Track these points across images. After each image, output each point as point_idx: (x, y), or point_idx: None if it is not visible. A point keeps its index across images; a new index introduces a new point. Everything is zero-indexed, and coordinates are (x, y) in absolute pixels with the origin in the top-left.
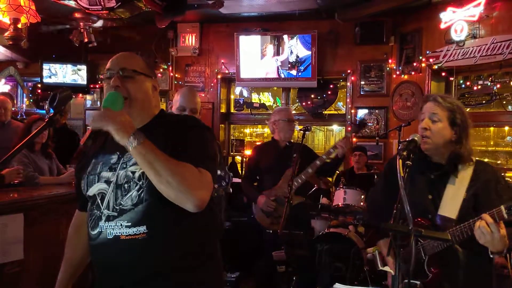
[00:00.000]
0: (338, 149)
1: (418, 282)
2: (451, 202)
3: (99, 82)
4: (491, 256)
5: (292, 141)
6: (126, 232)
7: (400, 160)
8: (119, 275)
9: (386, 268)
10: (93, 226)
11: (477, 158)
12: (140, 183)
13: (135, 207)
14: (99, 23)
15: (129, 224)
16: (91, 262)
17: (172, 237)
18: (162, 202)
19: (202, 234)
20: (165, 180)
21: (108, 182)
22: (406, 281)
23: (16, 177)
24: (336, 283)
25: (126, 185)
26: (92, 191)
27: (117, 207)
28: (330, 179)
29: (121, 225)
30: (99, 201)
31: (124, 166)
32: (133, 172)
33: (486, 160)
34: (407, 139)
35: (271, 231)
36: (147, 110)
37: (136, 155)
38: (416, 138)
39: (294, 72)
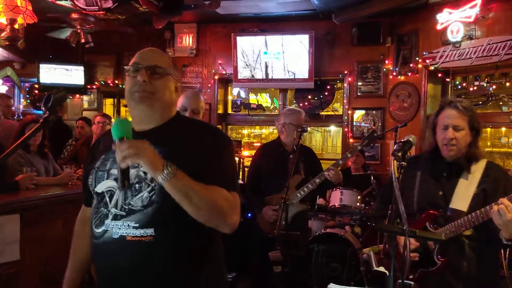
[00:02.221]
0: (332, 177)
1: (412, 283)
2: (463, 196)
3: (96, 83)
4: (504, 242)
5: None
6: (133, 233)
7: (395, 161)
8: (121, 276)
9: (381, 269)
10: (98, 224)
11: (487, 160)
12: (153, 185)
13: (145, 209)
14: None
15: (137, 225)
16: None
17: (179, 242)
18: (173, 206)
19: (208, 239)
20: (203, 212)
21: (117, 180)
22: (399, 281)
23: (30, 183)
24: (331, 283)
25: (137, 185)
26: (100, 188)
27: (126, 207)
28: None
29: (128, 225)
30: (107, 199)
31: (136, 165)
32: (146, 173)
33: None
34: (402, 140)
35: (271, 236)
36: (168, 110)
37: (170, 189)
38: (411, 139)
39: (291, 73)
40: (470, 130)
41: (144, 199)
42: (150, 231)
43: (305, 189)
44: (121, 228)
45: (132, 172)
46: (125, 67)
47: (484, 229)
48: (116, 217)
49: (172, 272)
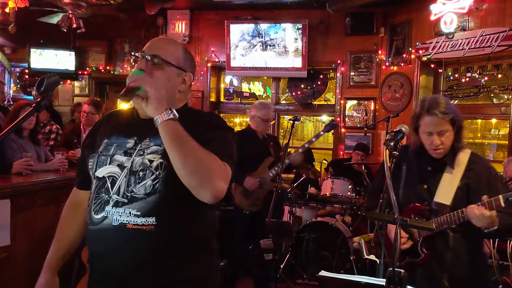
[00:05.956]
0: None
1: (402, 271)
2: (447, 189)
3: (87, 69)
4: (485, 231)
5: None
6: (134, 221)
7: (387, 151)
8: (117, 263)
9: (371, 257)
10: (98, 210)
11: (471, 151)
12: (157, 173)
13: (148, 197)
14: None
15: (139, 213)
16: (78, 249)
17: (179, 233)
18: (176, 196)
19: (207, 231)
20: (191, 163)
21: (121, 166)
22: (390, 269)
23: (26, 168)
24: (322, 271)
25: (141, 172)
26: (101, 172)
27: (128, 194)
28: (318, 169)
29: (129, 213)
30: (109, 185)
31: (141, 153)
32: (151, 161)
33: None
34: (394, 130)
35: (247, 212)
36: (170, 101)
37: (167, 130)
38: (403, 129)
39: (284, 62)
40: (453, 129)
41: (147, 187)
42: (151, 220)
43: (276, 168)
44: (122, 216)
45: (137, 160)
46: (133, 54)
47: (468, 222)
48: (117, 204)
49: (170, 262)
